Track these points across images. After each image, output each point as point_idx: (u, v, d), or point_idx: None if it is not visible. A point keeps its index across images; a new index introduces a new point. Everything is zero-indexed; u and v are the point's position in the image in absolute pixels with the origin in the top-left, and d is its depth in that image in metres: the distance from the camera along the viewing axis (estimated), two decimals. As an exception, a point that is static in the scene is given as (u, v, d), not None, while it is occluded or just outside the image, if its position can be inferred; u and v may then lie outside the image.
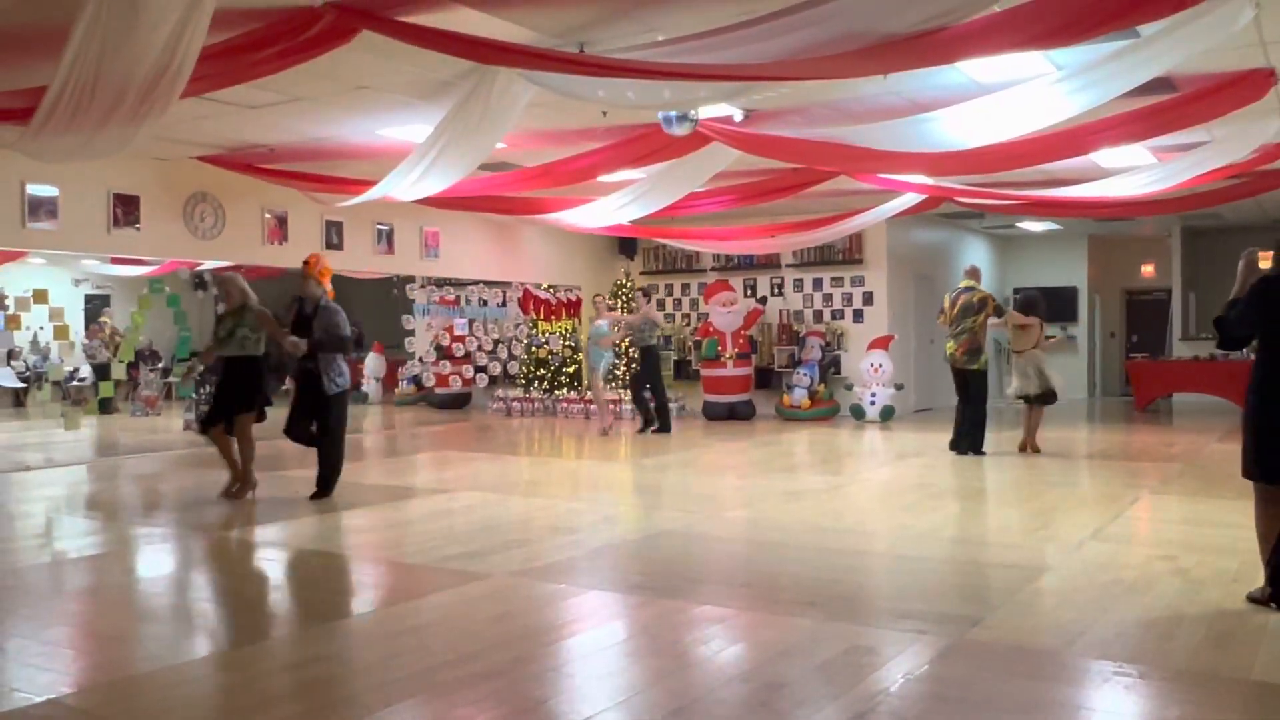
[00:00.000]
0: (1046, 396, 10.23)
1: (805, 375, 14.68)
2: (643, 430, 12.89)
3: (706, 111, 7.79)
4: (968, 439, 10.13)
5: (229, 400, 7.88)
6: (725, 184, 10.90)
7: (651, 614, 4.61)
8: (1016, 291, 18.15)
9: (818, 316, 15.42)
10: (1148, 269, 19.53)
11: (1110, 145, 8.40)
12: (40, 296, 12.02)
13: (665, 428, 12.86)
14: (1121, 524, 6.67)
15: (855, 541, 6.29)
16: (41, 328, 15.95)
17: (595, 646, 4.19)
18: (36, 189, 9.40)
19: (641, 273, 16.72)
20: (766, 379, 15.41)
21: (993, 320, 10.19)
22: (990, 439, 10.25)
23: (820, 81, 6.86)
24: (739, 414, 14.61)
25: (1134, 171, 9.97)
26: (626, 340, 14.02)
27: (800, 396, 14.55)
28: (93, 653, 4.30)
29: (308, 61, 6.02)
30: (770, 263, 15.64)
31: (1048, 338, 10.47)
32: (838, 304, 15.27)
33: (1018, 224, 17.04)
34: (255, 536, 6.51)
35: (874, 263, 14.98)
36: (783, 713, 3.36)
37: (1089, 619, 4.41)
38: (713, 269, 16.16)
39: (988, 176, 10.46)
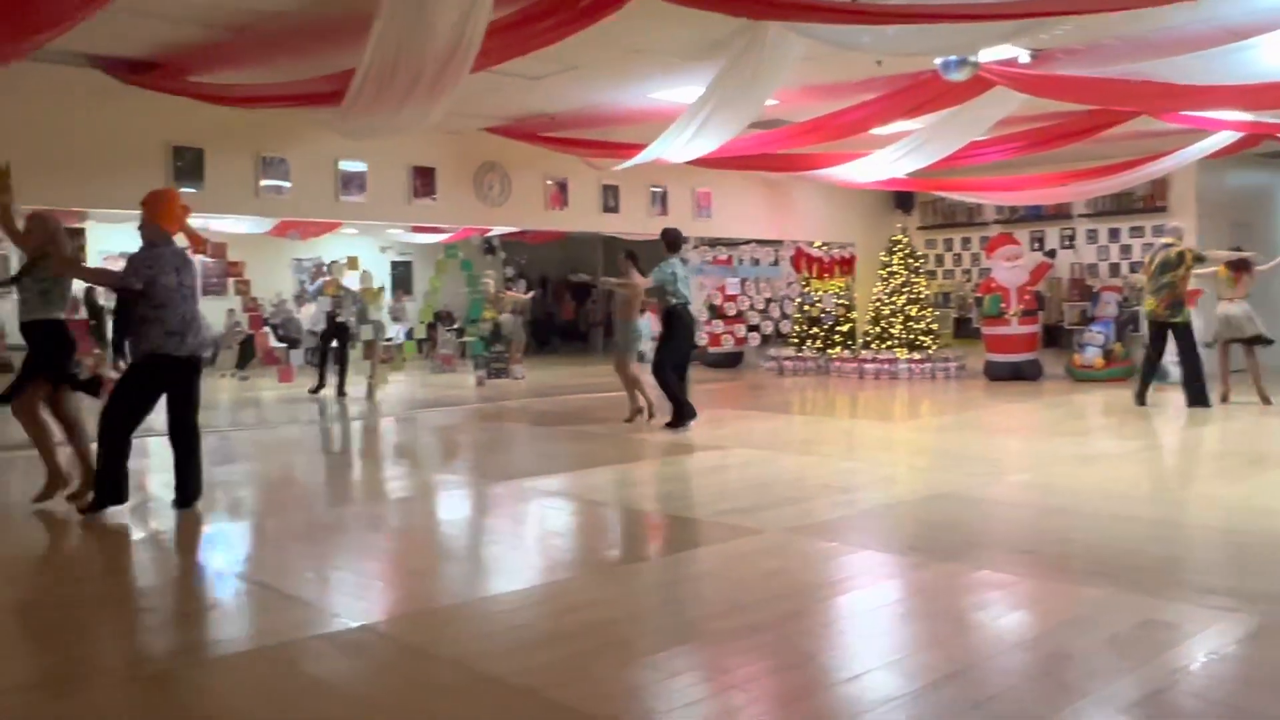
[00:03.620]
0: (1259, 339, 10.42)
1: (1099, 333, 13.70)
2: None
3: (988, 55, 7.38)
4: (1190, 392, 10.19)
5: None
6: (1010, 130, 10.31)
7: (927, 576, 4.50)
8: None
9: (1114, 270, 14.34)
10: None
11: None
12: (353, 263, 13.35)
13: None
14: None
15: (1154, 510, 5.85)
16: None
17: (867, 606, 4.14)
18: (347, 165, 10.34)
19: (919, 227, 16.17)
20: (1055, 337, 14.54)
21: (1199, 270, 10.43)
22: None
23: (1119, 13, 6.33)
24: (1024, 374, 13.86)
25: None
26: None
27: (1093, 355, 13.60)
28: (400, 585, 4.72)
29: (584, 29, 6.22)
30: (1060, 213, 14.67)
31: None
32: (1137, 256, 14.10)
33: (1357, 161, 15.04)
34: (542, 486, 6.89)
35: (1181, 210, 13.69)
36: (1068, 684, 3.19)
37: None
38: (995, 221, 15.36)
39: (1319, 108, 9.33)
